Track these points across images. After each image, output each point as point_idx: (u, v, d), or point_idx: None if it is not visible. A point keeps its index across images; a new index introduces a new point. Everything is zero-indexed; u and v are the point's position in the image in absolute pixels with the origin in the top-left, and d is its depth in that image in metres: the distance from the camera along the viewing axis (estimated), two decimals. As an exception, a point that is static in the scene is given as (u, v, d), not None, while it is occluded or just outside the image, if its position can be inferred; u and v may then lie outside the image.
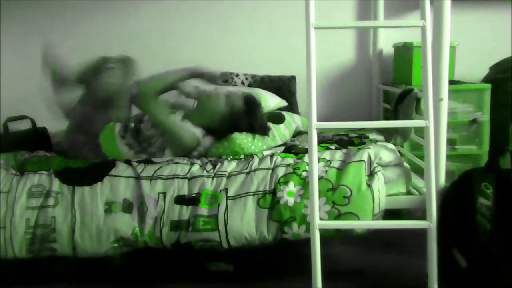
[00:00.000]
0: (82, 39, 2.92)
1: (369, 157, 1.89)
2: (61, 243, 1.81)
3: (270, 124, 2.19)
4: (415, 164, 2.08)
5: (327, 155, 1.95)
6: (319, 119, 1.72)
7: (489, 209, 1.64)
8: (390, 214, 1.89)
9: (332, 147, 2.08)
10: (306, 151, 1.96)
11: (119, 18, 2.91)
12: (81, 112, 2.09)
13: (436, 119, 1.74)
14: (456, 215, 1.73)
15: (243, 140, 2.08)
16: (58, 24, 2.93)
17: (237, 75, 2.75)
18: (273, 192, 1.81)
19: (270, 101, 2.47)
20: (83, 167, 1.94)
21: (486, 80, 2.56)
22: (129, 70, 2.14)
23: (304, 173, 1.84)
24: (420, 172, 1.93)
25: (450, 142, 2.38)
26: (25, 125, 2.37)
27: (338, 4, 2.85)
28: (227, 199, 1.80)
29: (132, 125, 2.09)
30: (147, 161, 1.96)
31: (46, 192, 1.84)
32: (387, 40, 2.85)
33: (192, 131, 2.02)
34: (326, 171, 1.85)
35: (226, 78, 2.75)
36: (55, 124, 2.30)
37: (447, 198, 1.79)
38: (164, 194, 1.82)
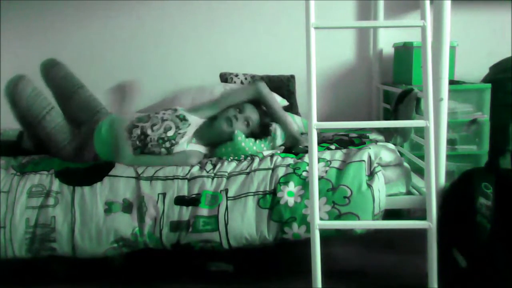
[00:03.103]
0: (82, 38, 2.92)
1: (369, 157, 1.89)
2: (61, 243, 1.81)
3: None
4: (415, 164, 2.08)
5: (327, 155, 1.95)
6: (319, 119, 1.72)
7: (489, 209, 1.64)
8: (390, 214, 1.89)
9: (332, 147, 2.08)
10: (306, 151, 1.96)
11: (119, 18, 2.91)
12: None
13: (436, 119, 1.74)
14: (456, 215, 1.73)
15: (246, 140, 2.09)
16: (58, 24, 2.93)
17: (236, 75, 2.75)
18: (273, 192, 1.81)
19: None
20: (83, 167, 1.94)
21: (486, 80, 2.56)
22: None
23: (304, 173, 1.84)
24: (420, 172, 1.93)
25: (450, 142, 2.38)
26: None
27: (338, 4, 2.85)
28: (227, 200, 1.80)
29: (138, 131, 2.03)
30: None
31: (46, 192, 1.84)
32: (387, 40, 2.85)
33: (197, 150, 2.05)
34: (326, 171, 1.85)
35: (225, 78, 2.75)
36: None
37: (447, 198, 1.79)
38: (164, 194, 1.82)
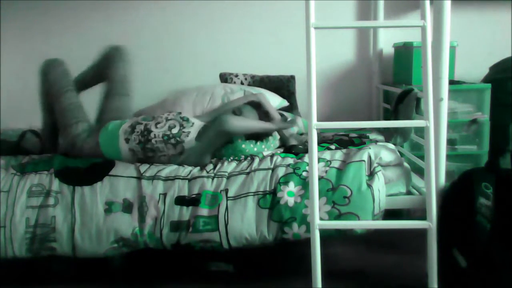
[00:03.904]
0: (82, 39, 2.92)
1: (369, 157, 1.89)
2: (61, 242, 1.81)
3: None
4: (415, 164, 2.08)
5: (327, 155, 1.96)
6: (319, 119, 1.72)
7: (489, 209, 1.64)
8: (390, 214, 1.89)
9: (332, 147, 2.08)
10: (306, 151, 1.96)
11: (119, 18, 2.92)
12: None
13: (436, 119, 1.74)
14: (456, 215, 1.73)
15: (246, 142, 2.09)
16: (58, 25, 2.93)
17: (236, 75, 2.75)
18: (273, 192, 1.81)
19: (272, 101, 2.48)
20: (83, 167, 1.94)
21: (486, 80, 2.56)
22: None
23: (304, 173, 1.84)
24: (420, 172, 1.93)
25: (450, 142, 2.38)
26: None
27: (338, 4, 2.85)
28: (227, 200, 1.80)
29: (141, 127, 2.03)
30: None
31: (46, 192, 1.84)
32: (387, 40, 2.85)
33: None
34: (326, 171, 1.85)
35: (225, 78, 2.76)
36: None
37: (447, 198, 1.79)
38: (165, 195, 1.82)
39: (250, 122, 2.08)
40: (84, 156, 2.04)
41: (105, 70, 2.23)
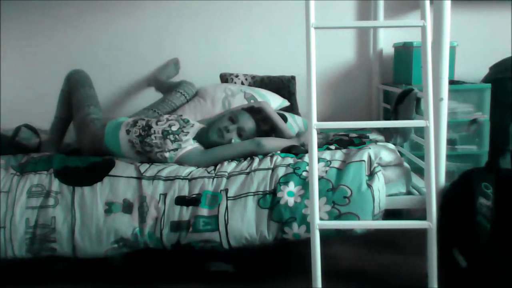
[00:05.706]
0: (82, 39, 2.92)
1: (369, 157, 1.89)
2: (61, 243, 1.81)
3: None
4: (415, 164, 2.08)
5: (327, 155, 1.96)
6: (319, 119, 1.72)
7: (489, 209, 1.64)
8: (390, 214, 1.89)
9: (332, 147, 2.08)
10: (306, 151, 1.96)
11: (119, 19, 2.91)
12: None
13: (436, 119, 1.74)
14: (456, 215, 1.73)
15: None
16: (58, 24, 2.93)
17: (236, 76, 2.75)
18: (273, 192, 1.81)
19: (272, 101, 2.48)
20: (83, 166, 1.94)
21: (486, 80, 2.56)
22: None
23: (304, 173, 1.84)
24: (420, 172, 1.93)
25: (450, 142, 2.38)
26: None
27: (338, 4, 2.85)
28: (227, 200, 1.80)
29: (143, 123, 2.08)
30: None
31: (46, 192, 1.84)
32: (387, 40, 2.85)
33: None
34: (326, 171, 1.85)
35: (225, 79, 2.75)
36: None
37: (447, 198, 1.79)
38: (165, 195, 1.83)
39: (279, 142, 2.11)
40: (87, 139, 2.13)
41: (171, 89, 2.56)
